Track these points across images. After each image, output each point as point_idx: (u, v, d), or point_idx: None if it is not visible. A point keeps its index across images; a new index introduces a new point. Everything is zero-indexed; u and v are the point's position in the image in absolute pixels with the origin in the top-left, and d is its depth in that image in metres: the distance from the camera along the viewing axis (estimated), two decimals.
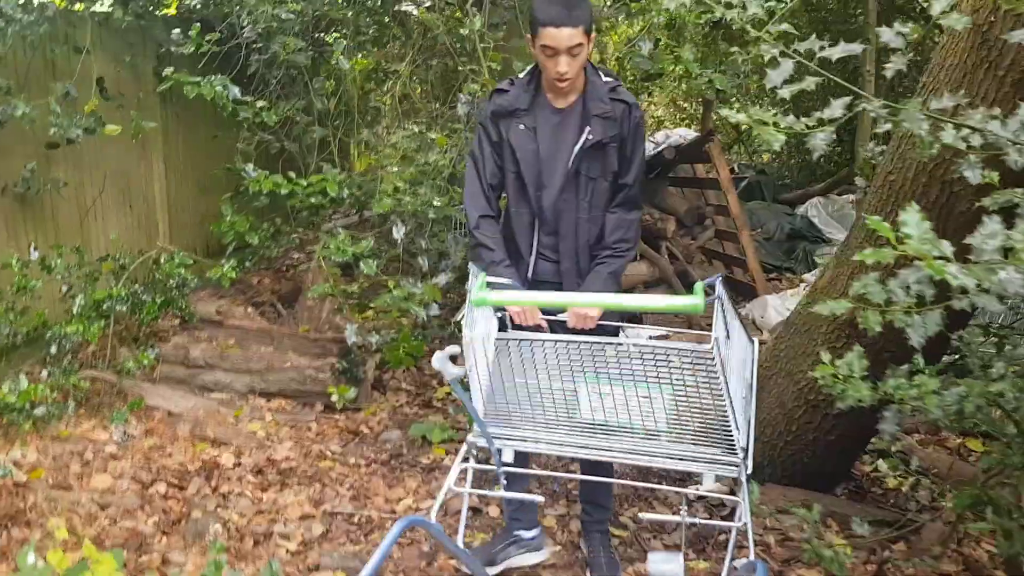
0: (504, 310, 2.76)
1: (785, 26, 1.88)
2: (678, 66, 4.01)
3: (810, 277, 7.94)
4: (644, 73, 4.13)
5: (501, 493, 2.88)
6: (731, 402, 2.24)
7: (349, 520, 3.55)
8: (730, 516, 3.59)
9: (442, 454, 4.15)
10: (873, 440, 3.92)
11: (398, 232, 4.00)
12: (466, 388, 2.57)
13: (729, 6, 1.86)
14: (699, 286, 2.05)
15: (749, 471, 2.48)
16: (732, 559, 2.55)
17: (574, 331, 2.78)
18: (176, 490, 3.70)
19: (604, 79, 2.90)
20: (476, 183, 2.98)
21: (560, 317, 2.85)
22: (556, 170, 2.89)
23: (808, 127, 1.85)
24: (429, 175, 4.18)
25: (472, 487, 2.99)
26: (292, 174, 4.59)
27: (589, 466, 3.08)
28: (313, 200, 4.49)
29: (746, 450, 2.48)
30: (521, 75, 2.96)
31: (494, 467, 2.74)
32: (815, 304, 3.43)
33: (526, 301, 2.65)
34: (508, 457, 2.68)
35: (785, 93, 1.92)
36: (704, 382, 2.33)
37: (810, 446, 3.60)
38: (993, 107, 2.04)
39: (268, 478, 3.87)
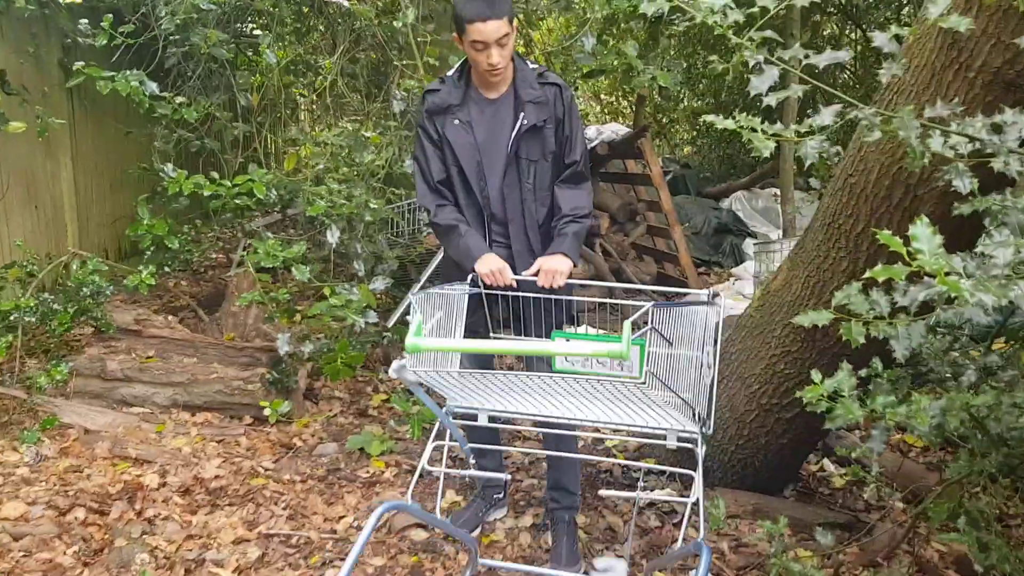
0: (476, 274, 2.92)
1: (769, 32, 1.77)
2: (620, 62, 3.91)
3: (738, 271, 7.99)
4: (587, 69, 4.02)
5: (472, 472, 2.98)
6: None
7: (287, 542, 3.34)
8: (681, 523, 3.52)
9: (382, 467, 3.96)
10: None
11: (332, 236, 3.79)
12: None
13: (711, 11, 1.74)
14: (627, 327, 1.96)
15: (710, 430, 2.52)
16: (683, 539, 2.75)
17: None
18: (97, 516, 3.43)
19: (531, 66, 3.06)
20: (424, 183, 3.10)
21: (528, 276, 2.96)
22: (496, 158, 3.03)
23: (799, 134, 1.74)
24: (363, 175, 3.99)
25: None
26: (215, 174, 4.32)
27: (554, 446, 3.29)
28: (238, 202, 4.23)
29: (704, 419, 2.50)
30: (450, 73, 3.08)
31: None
32: (771, 308, 3.38)
33: (457, 348, 2.61)
34: (483, 420, 2.63)
35: (771, 100, 1.81)
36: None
37: (762, 450, 3.54)
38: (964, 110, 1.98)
39: (197, 499, 3.63)
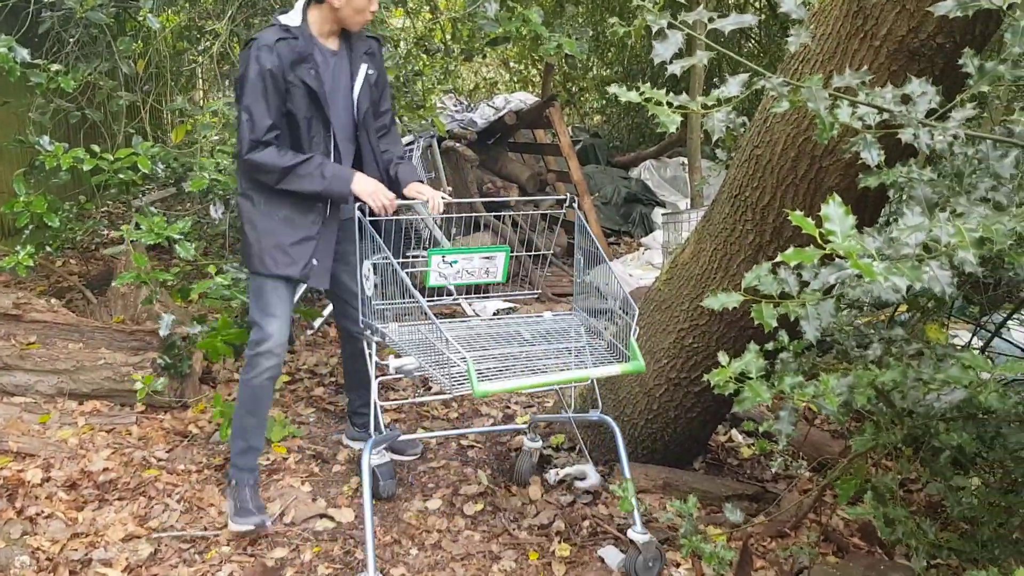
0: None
1: None
2: (525, 29, 3.78)
3: (647, 241, 8.00)
4: (490, 36, 3.88)
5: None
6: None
7: (181, 537, 3.16)
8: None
9: (283, 453, 3.80)
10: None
11: (216, 211, 3.57)
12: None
13: None
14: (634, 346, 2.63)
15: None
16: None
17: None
18: None
19: None
20: (260, 131, 3.06)
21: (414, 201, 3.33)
22: (344, 107, 3.23)
23: (706, 107, 1.66)
24: None
25: None
26: (96, 147, 4.03)
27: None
28: (122, 176, 3.96)
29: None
30: (293, 21, 3.12)
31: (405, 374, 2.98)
32: (679, 281, 3.34)
33: (519, 388, 2.72)
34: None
35: (675, 69, 1.72)
36: None
37: (671, 424, 3.52)
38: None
39: (84, 494, 3.41)
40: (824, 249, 1.32)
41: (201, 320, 4.08)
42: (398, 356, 2.86)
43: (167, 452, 3.78)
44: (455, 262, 3.23)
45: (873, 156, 1.77)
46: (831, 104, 1.66)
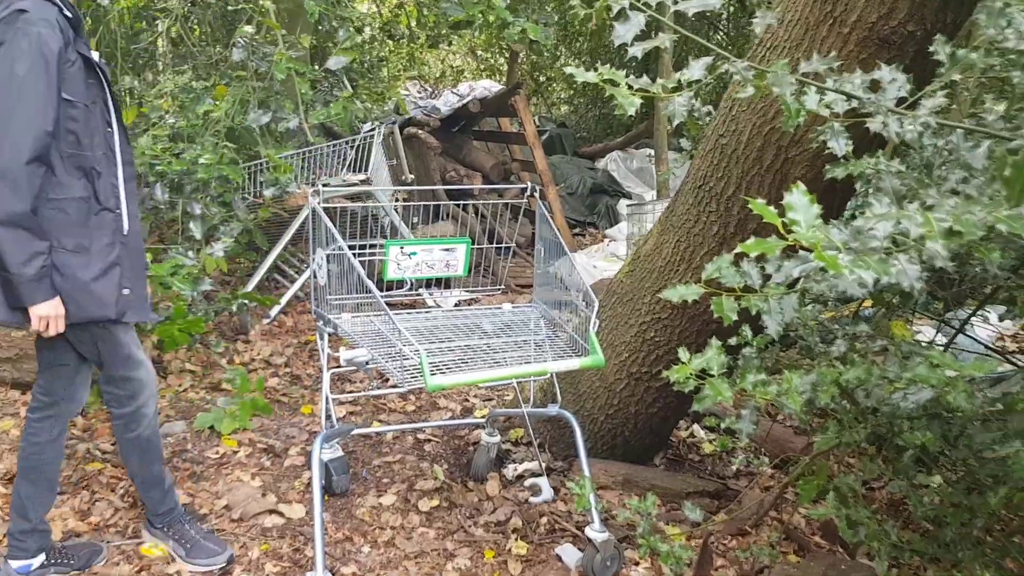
0: None
1: None
2: (492, 16, 3.67)
3: (613, 232, 7.94)
4: (453, 20, 3.77)
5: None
6: None
7: (124, 534, 3.04)
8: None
9: (234, 447, 3.68)
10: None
11: (159, 193, 3.43)
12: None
13: None
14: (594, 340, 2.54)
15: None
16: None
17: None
18: None
19: None
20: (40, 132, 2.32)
21: None
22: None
23: (666, 90, 1.57)
24: (203, 130, 3.63)
25: None
26: None
27: None
28: None
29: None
30: None
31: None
32: (641, 273, 3.26)
33: (470, 382, 2.57)
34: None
35: (636, 51, 1.63)
36: None
37: (632, 419, 3.44)
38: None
39: None
40: (787, 240, 1.24)
41: (153, 307, 3.93)
42: (350, 348, 2.75)
43: (112, 444, 3.63)
44: (414, 254, 3.13)
45: (840, 146, 1.70)
46: (798, 90, 1.58)
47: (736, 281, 1.80)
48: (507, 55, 11.88)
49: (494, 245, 3.44)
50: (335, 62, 3.73)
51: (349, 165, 5.08)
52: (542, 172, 6.44)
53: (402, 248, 3.10)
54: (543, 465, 3.44)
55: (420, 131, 5.94)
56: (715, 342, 1.81)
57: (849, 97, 1.59)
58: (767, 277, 1.81)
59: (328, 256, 3.06)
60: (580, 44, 11.97)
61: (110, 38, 4.49)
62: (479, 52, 13.29)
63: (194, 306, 3.66)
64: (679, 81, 1.60)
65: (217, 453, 3.62)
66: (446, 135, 6.49)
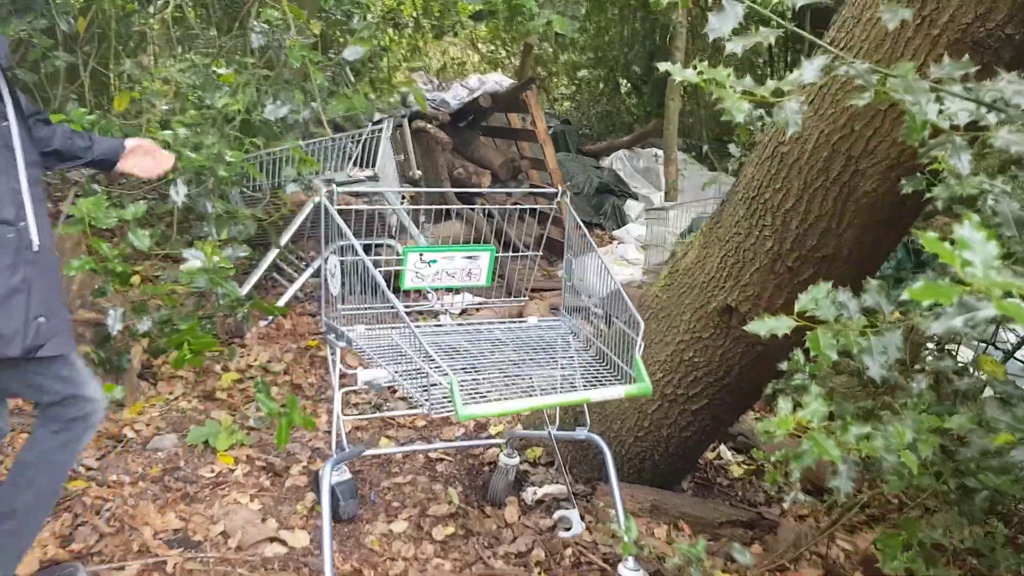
0: None
1: None
2: (511, 4, 3.42)
3: (620, 234, 7.70)
4: (471, 10, 3.51)
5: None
6: None
7: (109, 561, 2.78)
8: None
9: (230, 464, 3.41)
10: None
11: (178, 194, 3.16)
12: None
13: None
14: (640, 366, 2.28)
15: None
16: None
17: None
18: None
19: None
20: None
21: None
22: None
23: (776, 93, 1.32)
24: (216, 122, 3.36)
25: None
26: None
27: None
28: None
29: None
30: None
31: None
32: (680, 288, 3.01)
33: (504, 412, 2.35)
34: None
35: (735, 48, 1.38)
36: None
37: (663, 443, 3.20)
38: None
39: None
40: (966, 285, 1.00)
41: (140, 309, 3.65)
42: (365, 366, 2.49)
43: (98, 460, 3.37)
44: (434, 262, 2.88)
45: (964, 163, 1.45)
46: (932, 98, 1.34)
47: (830, 313, 1.56)
48: (509, 48, 11.62)
49: (518, 254, 3.17)
50: (352, 52, 3.47)
51: (355, 160, 4.81)
52: (552, 171, 6.18)
53: (421, 256, 2.85)
54: (571, 492, 3.19)
55: (429, 125, 5.68)
56: (815, 389, 1.56)
57: (990, 107, 1.34)
58: (867, 311, 1.57)
59: (341, 263, 2.80)
60: (584, 40, 11.73)
61: (103, 18, 4.21)
62: (480, 44, 13.02)
63: (216, 308, 3.37)
64: (777, 86, 1.35)
65: (212, 471, 3.36)
66: (454, 130, 6.23)
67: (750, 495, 3.53)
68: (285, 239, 4.40)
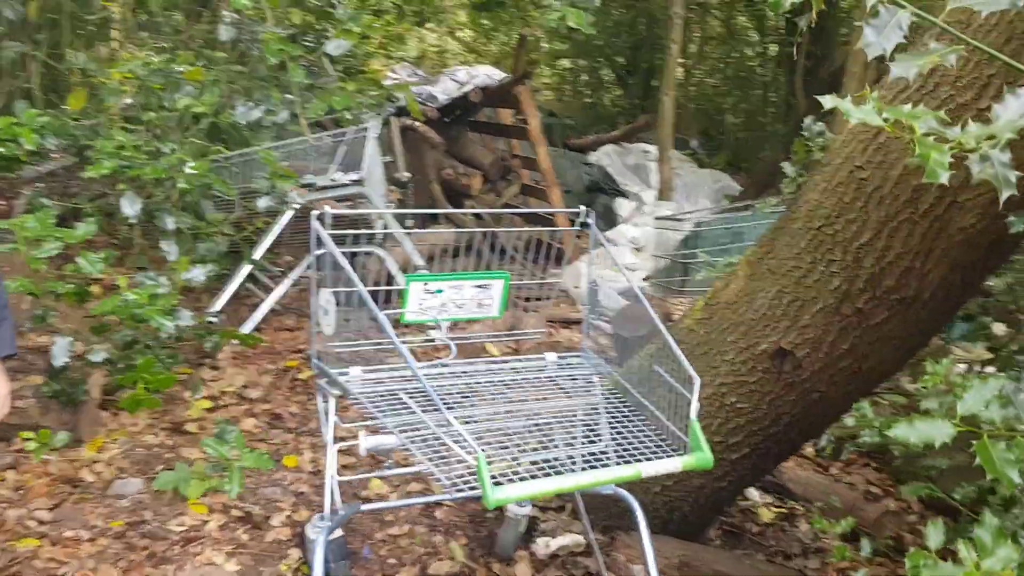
0: None
1: None
2: None
3: (613, 235, 7.34)
4: (480, 1, 3.12)
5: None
6: None
7: None
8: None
9: (203, 514, 3.01)
10: None
11: (130, 207, 2.75)
12: None
13: None
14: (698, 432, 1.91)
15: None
16: None
17: None
18: None
19: None
20: None
21: None
22: None
23: (981, 141, 0.96)
24: (180, 125, 2.95)
25: None
26: None
27: None
28: (2, 150, 3.09)
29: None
30: None
31: None
32: (721, 324, 2.65)
33: (544, 493, 1.90)
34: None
35: (906, 72, 1.02)
36: None
37: (694, 493, 2.85)
38: None
39: None
40: None
41: (100, 330, 3.22)
42: (372, 430, 2.11)
43: (51, 510, 2.95)
44: (440, 291, 2.51)
45: None
46: None
47: (999, 416, 1.20)
48: (493, 37, 11.20)
49: (535, 282, 2.80)
50: (335, 46, 3.07)
51: (339, 162, 4.40)
52: (546, 171, 5.81)
53: (426, 285, 2.47)
54: (594, 545, 2.84)
55: (417, 123, 5.27)
56: (937, 523, 1.20)
57: None
58: None
59: (335, 296, 2.42)
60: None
61: (54, 2, 3.75)
62: (458, 33, 12.56)
63: (175, 349, 2.98)
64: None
65: (182, 525, 2.95)
66: (441, 126, 5.83)
67: (784, 544, 3.19)
68: (259, 253, 3.98)
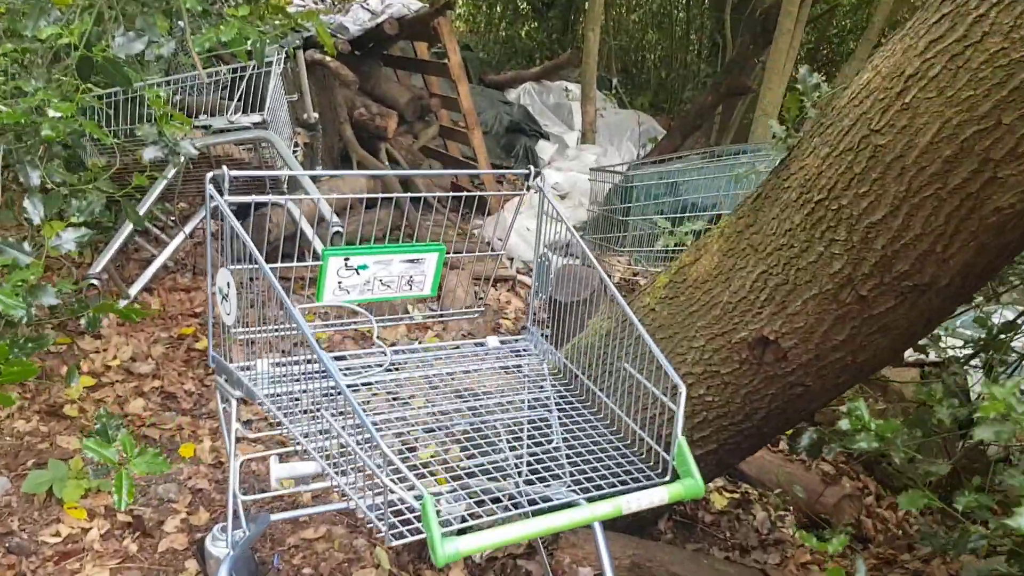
0: None
1: None
2: None
3: (536, 183, 6.95)
4: None
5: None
6: None
7: None
8: None
9: (82, 520, 2.56)
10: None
11: None
12: None
13: None
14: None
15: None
16: None
17: None
18: None
19: None
20: None
21: None
22: None
23: None
24: (41, 59, 2.41)
25: None
26: None
27: None
28: None
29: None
30: None
31: None
32: (689, 304, 2.32)
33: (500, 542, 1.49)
34: None
35: None
36: None
37: None
38: None
39: None
40: None
41: None
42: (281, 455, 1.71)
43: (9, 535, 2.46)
44: (364, 267, 2.10)
45: None
46: None
47: None
48: None
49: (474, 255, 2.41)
50: None
51: (237, 102, 3.87)
52: (467, 111, 5.35)
53: (347, 260, 2.06)
54: (539, 547, 2.52)
55: (328, 58, 4.73)
56: None
57: None
58: None
59: (233, 275, 1.98)
60: None
61: None
62: None
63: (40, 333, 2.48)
64: None
65: (58, 535, 2.50)
66: (352, 60, 5.28)
67: (740, 536, 2.94)
68: (144, 209, 3.46)
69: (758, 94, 6.95)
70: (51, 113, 2.22)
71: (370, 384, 2.06)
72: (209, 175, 1.86)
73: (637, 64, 10.86)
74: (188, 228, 4.03)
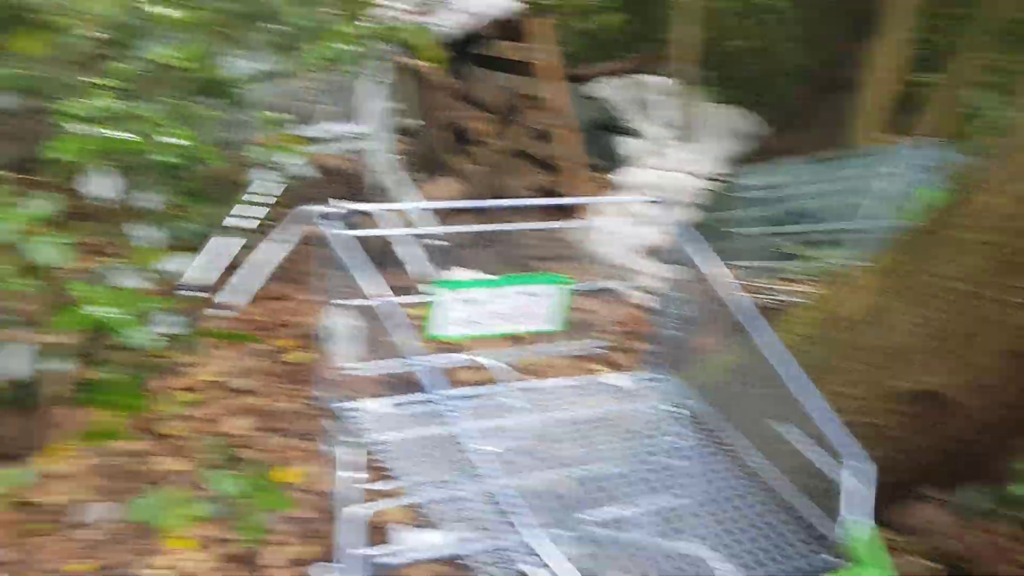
0: None
1: None
2: None
3: (620, 179, 6.76)
4: None
5: None
6: None
7: None
8: None
9: (191, 549, 2.48)
10: None
11: (100, 186, 2.15)
12: None
13: None
14: None
15: None
16: None
17: None
18: None
19: None
20: None
21: None
22: None
23: None
24: (161, 80, 2.30)
25: None
26: None
27: None
28: None
29: None
30: None
31: None
32: (844, 347, 2.09)
33: None
34: None
35: None
36: None
37: None
38: None
39: None
40: None
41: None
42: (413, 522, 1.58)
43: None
44: (474, 301, 1.98)
45: None
46: None
47: None
48: None
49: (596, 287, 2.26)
50: None
51: (332, 108, 3.77)
52: (564, 114, 5.17)
53: (455, 293, 1.93)
54: None
55: (423, 64, 4.60)
56: None
57: None
58: None
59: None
60: None
61: None
62: None
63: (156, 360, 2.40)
64: None
65: (159, 563, 2.43)
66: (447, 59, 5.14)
67: None
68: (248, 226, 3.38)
69: (856, 91, 6.64)
70: (172, 140, 2.12)
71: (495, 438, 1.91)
72: (320, 212, 1.74)
73: (730, 57, 10.50)
74: (287, 237, 3.94)
